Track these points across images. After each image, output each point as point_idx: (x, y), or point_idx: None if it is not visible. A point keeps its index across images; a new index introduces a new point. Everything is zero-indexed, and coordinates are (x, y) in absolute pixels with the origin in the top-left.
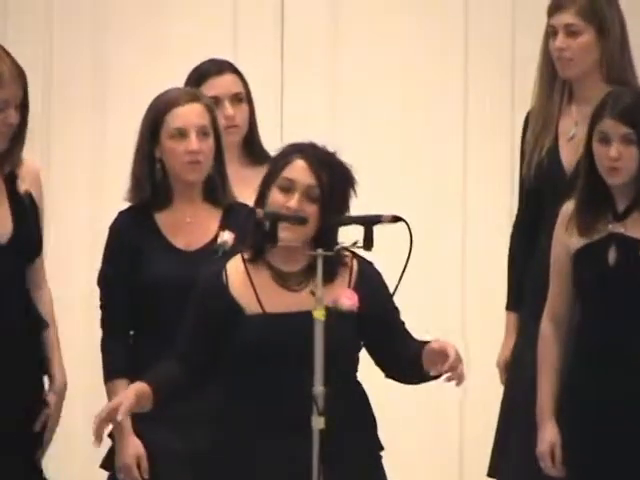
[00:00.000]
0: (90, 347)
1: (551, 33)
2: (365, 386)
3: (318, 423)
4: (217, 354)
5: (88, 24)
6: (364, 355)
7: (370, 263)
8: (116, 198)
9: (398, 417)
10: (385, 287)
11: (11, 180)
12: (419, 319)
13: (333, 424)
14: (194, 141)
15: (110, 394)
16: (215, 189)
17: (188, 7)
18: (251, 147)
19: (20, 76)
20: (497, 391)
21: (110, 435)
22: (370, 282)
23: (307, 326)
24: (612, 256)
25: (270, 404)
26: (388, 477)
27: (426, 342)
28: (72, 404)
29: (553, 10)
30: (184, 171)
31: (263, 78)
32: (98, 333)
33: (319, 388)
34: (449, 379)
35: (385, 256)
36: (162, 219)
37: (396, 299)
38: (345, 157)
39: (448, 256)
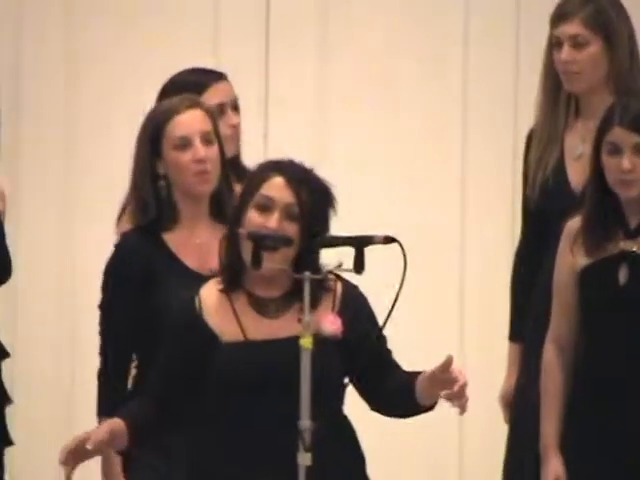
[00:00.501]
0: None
1: (555, 44)
2: (361, 418)
3: (304, 459)
4: (193, 390)
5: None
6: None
7: (355, 287)
8: (87, 216)
9: (393, 451)
10: (371, 313)
11: None
12: (413, 347)
13: (318, 461)
14: (200, 148)
15: None
16: (222, 203)
17: (166, 26)
18: (234, 160)
19: None
20: (498, 426)
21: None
22: (355, 307)
23: (291, 354)
24: (623, 275)
25: (252, 438)
26: None
27: (418, 372)
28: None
29: (557, 20)
30: (193, 183)
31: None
32: (65, 369)
33: (306, 422)
34: (453, 402)
35: (376, 279)
36: (171, 240)
37: (389, 327)
38: (334, 171)
39: (445, 281)
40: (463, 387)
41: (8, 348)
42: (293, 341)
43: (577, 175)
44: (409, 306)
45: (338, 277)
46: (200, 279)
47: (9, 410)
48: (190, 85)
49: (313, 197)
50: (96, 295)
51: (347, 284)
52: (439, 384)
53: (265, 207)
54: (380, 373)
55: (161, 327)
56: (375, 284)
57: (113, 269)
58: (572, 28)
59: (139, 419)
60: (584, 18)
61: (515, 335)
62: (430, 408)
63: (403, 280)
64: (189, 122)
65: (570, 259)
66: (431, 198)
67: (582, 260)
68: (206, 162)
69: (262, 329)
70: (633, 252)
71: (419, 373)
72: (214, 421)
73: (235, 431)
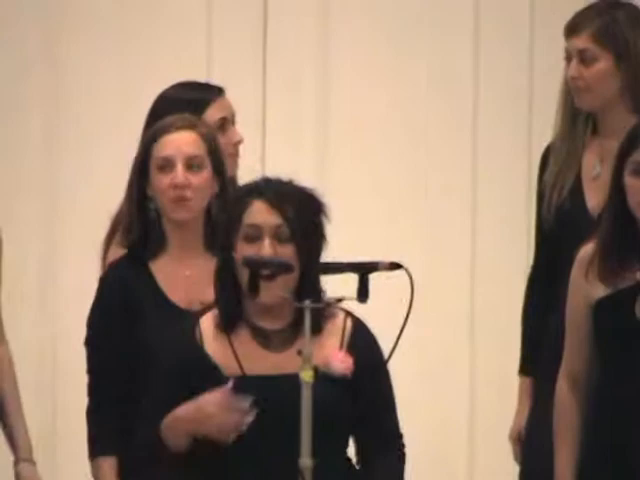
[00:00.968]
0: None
1: (566, 59)
2: None
3: None
4: None
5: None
6: None
7: (365, 325)
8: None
9: None
10: (381, 359)
11: None
12: (420, 381)
13: None
14: (180, 173)
15: (94, 472)
16: (215, 235)
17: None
18: (232, 180)
19: None
20: (507, 462)
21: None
22: (365, 346)
23: (293, 391)
24: None
25: (250, 477)
26: None
27: None
28: None
29: (568, 32)
30: (170, 209)
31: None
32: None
33: (306, 461)
34: None
35: (381, 307)
36: (158, 269)
37: (398, 351)
38: (336, 190)
39: (455, 309)
40: None
41: None
42: (296, 377)
43: (594, 198)
44: (415, 338)
45: (348, 313)
46: (184, 315)
47: None
48: (192, 102)
49: (299, 211)
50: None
51: (358, 321)
52: None
53: (253, 237)
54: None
55: (141, 363)
56: (380, 312)
57: (97, 304)
58: (580, 42)
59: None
60: (593, 32)
61: (526, 368)
62: None
63: (410, 308)
64: (175, 144)
65: (584, 288)
66: (440, 217)
67: (597, 291)
68: (185, 189)
69: (264, 363)
70: None
71: None
72: (210, 461)
73: (234, 472)
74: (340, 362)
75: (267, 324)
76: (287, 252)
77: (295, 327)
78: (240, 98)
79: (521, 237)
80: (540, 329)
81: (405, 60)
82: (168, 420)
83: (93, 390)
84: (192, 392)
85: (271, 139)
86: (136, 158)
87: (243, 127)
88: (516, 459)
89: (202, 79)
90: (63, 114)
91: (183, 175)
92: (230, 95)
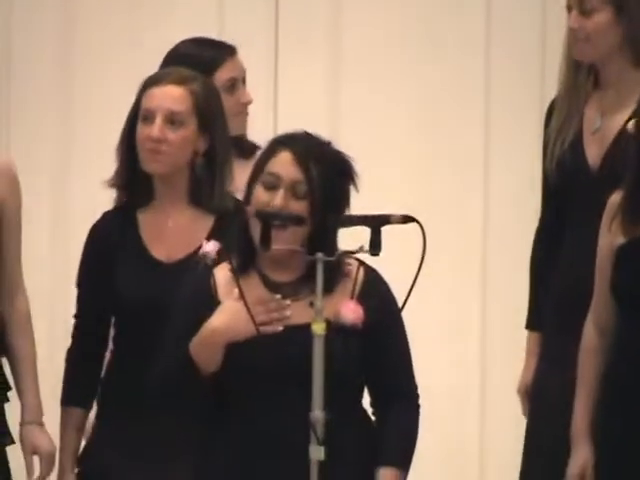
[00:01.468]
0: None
1: (567, 9)
2: None
3: (317, 453)
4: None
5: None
6: None
7: (379, 274)
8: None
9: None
10: (395, 308)
11: None
12: (432, 334)
13: (332, 457)
14: (157, 127)
15: (63, 420)
16: (200, 191)
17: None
18: (241, 138)
19: None
20: (518, 422)
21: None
22: (378, 296)
23: (305, 342)
24: None
25: (263, 431)
26: None
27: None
28: None
29: None
30: (143, 160)
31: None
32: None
33: (318, 413)
34: None
35: (393, 261)
36: (144, 219)
37: (410, 318)
38: (348, 148)
39: (467, 264)
40: None
41: None
42: (306, 328)
43: (594, 151)
44: (428, 290)
45: (361, 263)
46: (161, 270)
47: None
48: (203, 60)
49: (325, 173)
50: None
51: (370, 270)
52: None
53: (271, 185)
54: (379, 380)
55: (118, 316)
56: (392, 266)
57: (83, 251)
58: None
59: None
60: None
61: (533, 323)
62: None
63: (422, 262)
64: (159, 97)
65: (609, 237)
66: (452, 176)
67: (619, 239)
68: (161, 142)
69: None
70: None
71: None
72: (223, 416)
73: (246, 424)
74: (351, 312)
75: (278, 276)
76: (299, 208)
77: (307, 280)
78: (252, 57)
79: (533, 193)
80: (546, 283)
81: (418, 16)
82: (201, 335)
83: (74, 335)
84: None
85: (283, 99)
86: (133, 106)
87: (254, 88)
88: (524, 413)
89: (214, 35)
90: (76, 112)
91: (160, 129)
92: (242, 53)
